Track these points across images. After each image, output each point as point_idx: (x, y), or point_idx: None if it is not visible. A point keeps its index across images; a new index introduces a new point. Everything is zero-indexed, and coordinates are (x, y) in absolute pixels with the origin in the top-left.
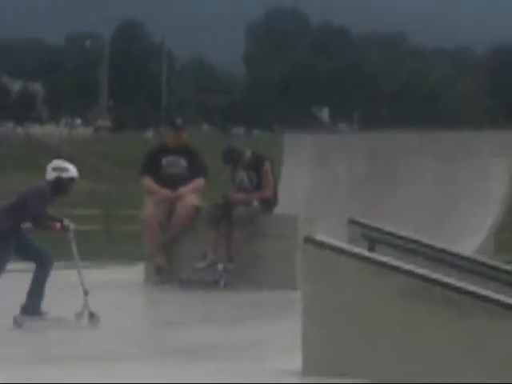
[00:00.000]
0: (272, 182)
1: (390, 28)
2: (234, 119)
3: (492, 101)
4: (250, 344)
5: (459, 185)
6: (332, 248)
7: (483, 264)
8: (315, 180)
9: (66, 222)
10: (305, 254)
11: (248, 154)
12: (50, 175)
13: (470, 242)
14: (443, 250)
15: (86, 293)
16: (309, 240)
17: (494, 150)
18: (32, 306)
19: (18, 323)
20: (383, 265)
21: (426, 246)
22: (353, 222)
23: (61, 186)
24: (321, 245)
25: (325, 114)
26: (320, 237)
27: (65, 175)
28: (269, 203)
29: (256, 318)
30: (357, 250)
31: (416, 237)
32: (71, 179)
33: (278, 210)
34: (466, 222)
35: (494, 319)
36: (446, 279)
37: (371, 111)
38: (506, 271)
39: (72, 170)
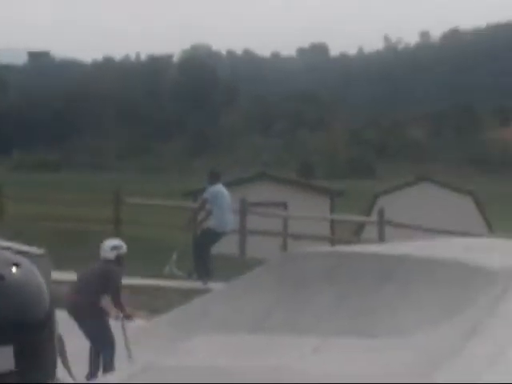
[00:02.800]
0: None
1: None
2: None
3: None
4: None
5: None
6: None
7: None
8: None
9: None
10: None
11: None
12: (111, 254)
13: None
14: None
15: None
16: None
17: None
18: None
19: None
20: None
21: None
22: None
23: (121, 261)
24: None
25: None
26: None
27: (122, 252)
28: None
29: None
30: None
31: None
32: (125, 253)
33: None
34: None
35: None
36: None
37: None
38: None
39: (124, 245)
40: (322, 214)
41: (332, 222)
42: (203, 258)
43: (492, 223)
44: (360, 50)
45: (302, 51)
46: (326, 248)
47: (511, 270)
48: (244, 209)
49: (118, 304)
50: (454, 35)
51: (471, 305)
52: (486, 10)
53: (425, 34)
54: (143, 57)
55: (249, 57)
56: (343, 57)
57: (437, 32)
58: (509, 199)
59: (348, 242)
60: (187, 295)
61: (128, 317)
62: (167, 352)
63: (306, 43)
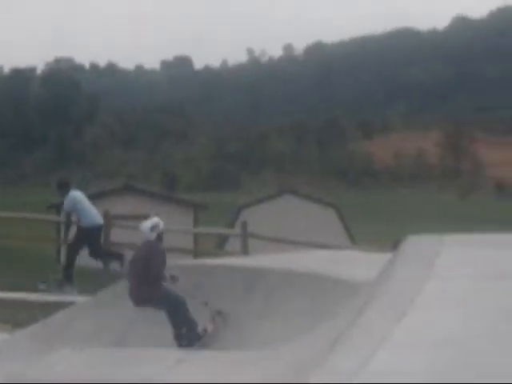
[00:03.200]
0: None
1: None
2: None
3: None
4: None
5: None
6: None
7: None
8: None
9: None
10: None
11: None
12: (151, 235)
13: None
14: None
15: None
16: None
17: None
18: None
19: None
20: None
21: None
22: None
23: (161, 238)
24: None
25: None
26: None
27: (161, 229)
28: None
29: None
30: None
31: None
32: (163, 229)
33: None
34: None
35: None
36: None
37: None
38: None
39: (161, 222)
40: (185, 227)
41: (196, 234)
42: (73, 262)
43: (354, 235)
44: (224, 62)
45: (165, 64)
46: (189, 261)
47: (373, 281)
48: (108, 221)
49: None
50: (317, 48)
51: (334, 316)
52: (349, 23)
53: (288, 47)
54: (6, 69)
55: (112, 69)
56: (207, 69)
57: (300, 45)
58: (371, 211)
59: (211, 255)
60: (51, 308)
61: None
62: (29, 366)
63: (169, 56)
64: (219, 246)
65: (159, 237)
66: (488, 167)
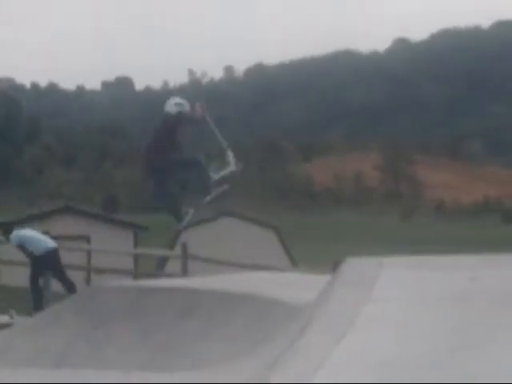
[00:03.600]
0: None
1: None
2: None
3: None
4: None
5: None
6: None
7: None
8: None
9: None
10: None
11: None
12: (173, 108)
13: None
14: None
15: None
16: None
17: None
18: None
19: None
20: None
21: None
22: None
23: (181, 118)
24: None
25: None
26: None
27: (184, 110)
28: None
29: None
30: None
31: None
32: (187, 113)
33: None
34: None
35: None
36: None
37: None
38: None
39: (187, 105)
40: (125, 248)
41: (136, 256)
42: (38, 291)
43: (295, 257)
44: (165, 83)
45: (106, 85)
46: (128, 282)
47: (313, 304)
48: None
49: None
50: (257, 69)
51: (273, 339)
52: (289, 45)
53: (229, 69)
54: None
55: (53, 90)
56: (148, 90)
57: (241, 66)
58: (312, 233)
59: (151, 276)
60: None
61: None
62: None
63: (111, 77)
64: (159, 267)
65: (180, 115)
66: (428, 189)
